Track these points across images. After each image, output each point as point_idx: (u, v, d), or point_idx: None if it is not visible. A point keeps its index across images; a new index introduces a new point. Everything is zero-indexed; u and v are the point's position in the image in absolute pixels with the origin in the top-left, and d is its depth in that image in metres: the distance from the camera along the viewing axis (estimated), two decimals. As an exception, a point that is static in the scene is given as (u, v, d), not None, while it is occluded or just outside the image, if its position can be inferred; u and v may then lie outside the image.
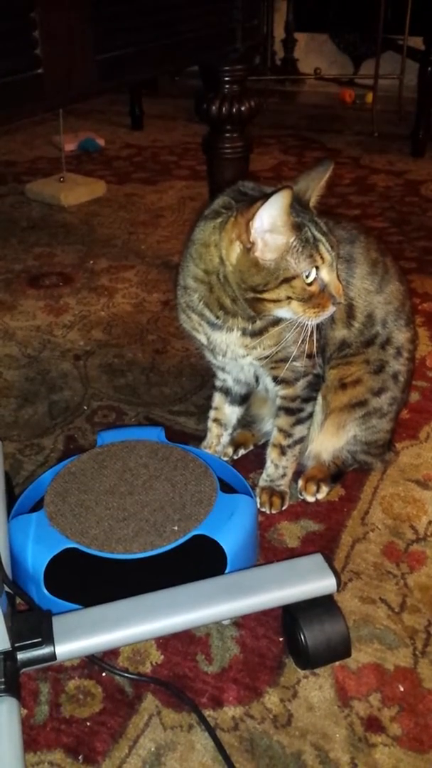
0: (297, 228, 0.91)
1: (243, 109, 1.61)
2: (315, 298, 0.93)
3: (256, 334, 1.02)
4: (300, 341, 1.04)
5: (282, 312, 0.95)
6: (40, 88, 1.06)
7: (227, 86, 1.60)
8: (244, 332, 1.03)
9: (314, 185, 0.97)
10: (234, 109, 1.61)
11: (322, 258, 0.92)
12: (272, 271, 0.92)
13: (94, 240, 2.22)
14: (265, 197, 0.87)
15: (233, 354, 1.06)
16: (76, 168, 2.84)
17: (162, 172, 2.83)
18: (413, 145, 2.94)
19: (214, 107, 1.61)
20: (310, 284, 0.92)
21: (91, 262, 2.07)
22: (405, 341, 1.13)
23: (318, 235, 0.92)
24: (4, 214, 2.45)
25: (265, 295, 0.94)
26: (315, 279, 0.92)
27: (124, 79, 1.33)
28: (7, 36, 1.01)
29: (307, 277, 0.91)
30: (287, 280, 0.92)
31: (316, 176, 0.97)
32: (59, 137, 2.66)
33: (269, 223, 0.89)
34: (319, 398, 1.13)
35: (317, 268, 0.92)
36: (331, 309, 0.95)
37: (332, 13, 4.10)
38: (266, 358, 1.05)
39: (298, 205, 0.94)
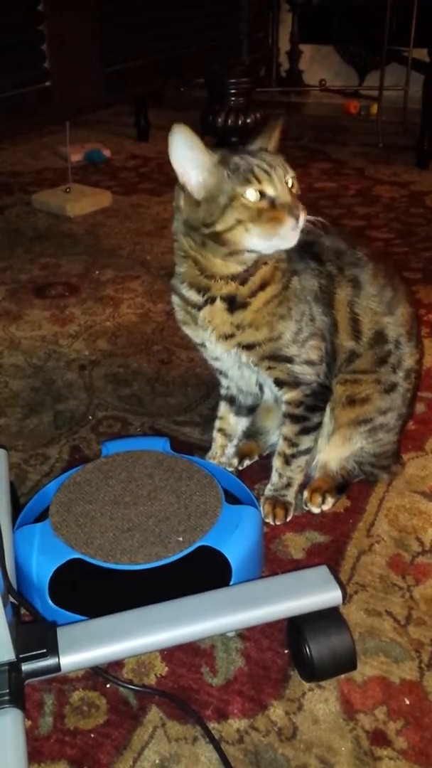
0: (222, 162, 0.94)
1: (248, 121, 1.63)
2: (266, 213, 0.92)
3: (239, 307, 1.02)
4: (295, 341, 1.04)
5: (247, 241, 0.94)
6: (47, 101, 1.07)
7: (233, 98, 1.61)
8: (227, 303, 1.02)
9: (266, 143, 1.01)
10: (240, 121, 1.62)
11: (257, 177, 0.92)
12: (213, 201, 0.93)
13: (99, 250, 2.23)
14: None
15: (220, 334, 1.04)
16: (82, 179, 2.86)
17: (168, 183, 2.83)
18: (418, 156, 2.94)
19: (219, 119, 1.62)
20: (255, 202, 0.92)
21: (97, 272, 2.08)
22: (414, 363, 1.14)
23: (252, 160, 0.93)
24: (11, 224, 2.46)
25: (218, 227, 0.94)
26: (262, 198, 0.92)
27: (131, 92, 1.34)
28: (15, 49, 1.02)
29: (247, 195, 0.92)
30: (228, 204, 0.92)
31: (267, 135, 1.02)
32: (65, 148, 2.67)
33: (185, 160, 0.93)
34: (328, 410, 1.13)
35: (258, 187, 0.92)
36: (289, 220, 0.92)
37: (337, 25, 4.13)
38: (254, 348, 1.04)
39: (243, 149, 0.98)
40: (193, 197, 0.95)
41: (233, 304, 1.02)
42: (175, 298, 1.09)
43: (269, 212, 0.92)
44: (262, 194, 0.92)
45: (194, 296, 1.04)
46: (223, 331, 1.04)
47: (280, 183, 0.93)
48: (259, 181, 0.92)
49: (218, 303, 1.03)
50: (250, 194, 0.91)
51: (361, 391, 1.11)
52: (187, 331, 1.11)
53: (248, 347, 1.05)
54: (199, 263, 1.01)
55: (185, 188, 0.95)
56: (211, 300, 1.03)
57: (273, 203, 0.93)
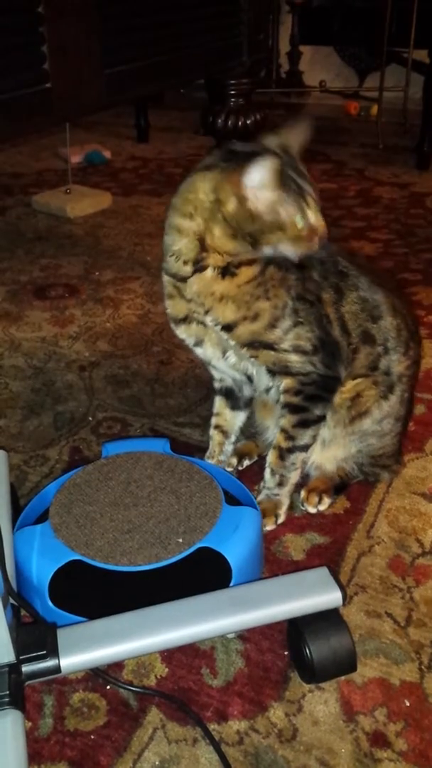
0: (284, 184, 0.97)
1: (249, 122, 1.63)
2: (304, 235, 0.99)
3: (229, 274, 1.03)
4: (273, 326, 1.04)
5: (276, 248, 1.00)
6: (48, 103, 1.07)
7: (233, 99, 1.62)
8: (219, 270, 1.03)
9: (295, 141, 1.05)
10: (239, 122, 1.62)
11: (308, 204, 0.98)
12: (265, 219, 0.98)
13: (99, 251, 2.23)
14: (253, 159, 0.95)
15: (205, 307, 1.04)
16: (82, 180, 2.86)
17: (167, 184, 2.84)
18: (418, 157, 2.95)
19: (219, 120, 1.62)
20: (299, 227, 0.99)
21: (97, 273, 2.08)
22: (404, 369, 1.14)
23: (303, 185, 0.99)
24: (11, 225, 2.46)
25: (261, 239, 0.99)
26: (303, 222, 0.99)
27: (131, 93, 1.34)
28: (15, 50, 1.02)
29: (296, 221, 0.98)
30: (280, 227, 0.98)
31: (298, 136, 1.05)
32: (65, 149, 2.68)
33: (259, 181, 0.96)
34: (330, 424, 1.13)
35: (305, 214, 0.98)
36: (315, 242, 1.01)
37: (337, 26, 4.13)
38: (233, 330, 1.04)
39: (284, 155, 1.01)
40: (250, 210, 0.97)
41: (226, 270, 1.03)
42: (165, 278, 1.09)
43: (306, 234, 1.00)
44: (304, 219, 0.99)
45: (184, 269, 1.04)
46: (206, 304, 1.04)
47: (318, 210, 1.00)
48: (309, 207, 0.99)
49: (209, 271, 1.03)
50: (299, 221, 0.98)
51: (362, 405, 1.12)
52: (171, 305, 1.10)
53: (227, 327, 1.05)
54: (206, 242, 1.02)
55: (246, 203, 0.97)
56: (202, 269, 1.03)
57: (310, 227, 0.99)
